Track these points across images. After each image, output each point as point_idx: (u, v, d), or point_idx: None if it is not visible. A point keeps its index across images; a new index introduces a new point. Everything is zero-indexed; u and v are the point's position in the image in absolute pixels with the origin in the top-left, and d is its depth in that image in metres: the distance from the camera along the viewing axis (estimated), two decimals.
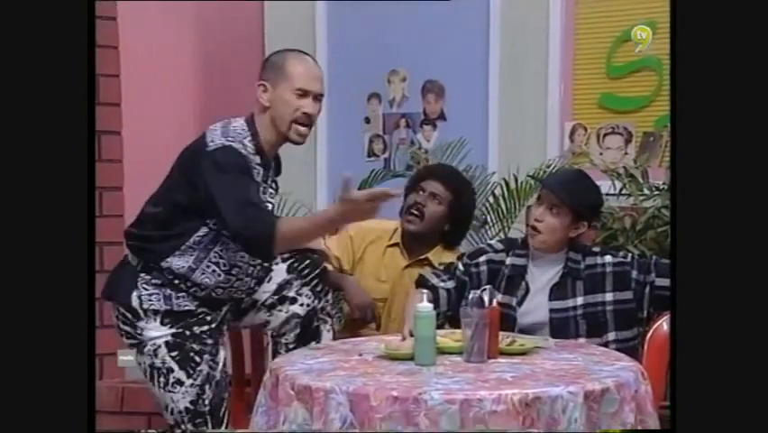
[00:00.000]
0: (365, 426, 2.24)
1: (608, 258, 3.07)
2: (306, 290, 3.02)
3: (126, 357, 3.86)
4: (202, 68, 5.19)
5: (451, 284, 3.15)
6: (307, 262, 3.07)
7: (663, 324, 2.97)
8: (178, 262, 2.80)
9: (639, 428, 2.42)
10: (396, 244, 3.47)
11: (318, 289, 3.06)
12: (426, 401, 2.21)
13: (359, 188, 4.36)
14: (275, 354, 3.09)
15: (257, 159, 2.81)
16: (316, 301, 3.06)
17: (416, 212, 3.39)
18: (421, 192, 3.41)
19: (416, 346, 2.58)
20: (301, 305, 3.02)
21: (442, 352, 2.64)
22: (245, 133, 2.80)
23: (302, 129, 2.84)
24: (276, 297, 2.96)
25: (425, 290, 2.74)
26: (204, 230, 2.81)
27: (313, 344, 3.04)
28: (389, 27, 5.02)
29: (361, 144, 5.13)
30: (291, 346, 3.04)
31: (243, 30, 5.29)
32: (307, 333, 3.07)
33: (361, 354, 2.69)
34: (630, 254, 3.13)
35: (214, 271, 2.83)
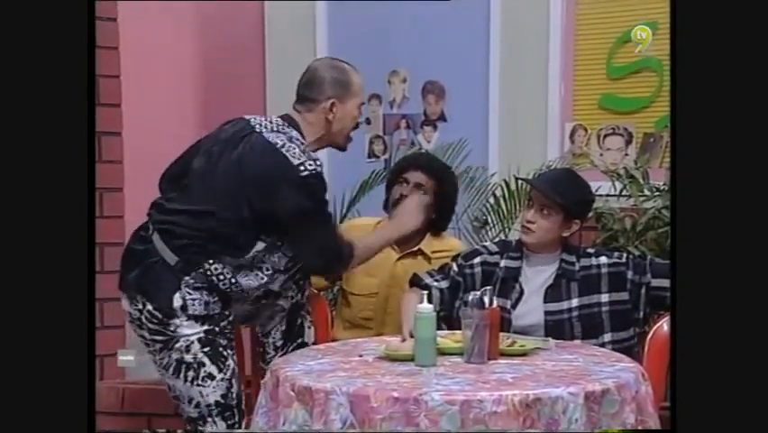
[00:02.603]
0: (365, 427, 2.24)
1: (603, 259, 3.07)
2: (290, 284, 3.03)
3: (126, 357, 3.86)
4: (202, 68, 5.19)
5: (444, 284, 3.15)
6: (290, 256, 3.09)
7: (664, 325, 2.97)
8: (242, 280, 2.84)
9: (640, 428, 2.42)
10: None
11: (301, 283, 3.07)
12: (427, 402, 2.21)
13: (359, 190, 4.43)
14: (264, 355, 3.10)
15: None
16: (299, 296, 3.07)
17: None
18: (405, 184, 3.41)
19: (417, 347, 2.58)
20: (286, 297, 3.02)
21: (442, 353, 2.64)
22: (303, 146, 2.85)
23: (351, 136, 3.06)
24: (261, 290, 2.95)
25: (421, 291, 2.74)
26: (261, 245, 2.84)
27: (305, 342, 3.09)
28: (389, 27, 5.02)
29: (361, 145, 5.12)
30: (279, 344, 3.05)
31: (243, 30, 5.29)
32: (293, 330, 3.09)
33: (361, 355, 2.69)
34: (625, 255, 3.13)
35: (257, 275, 2.86)
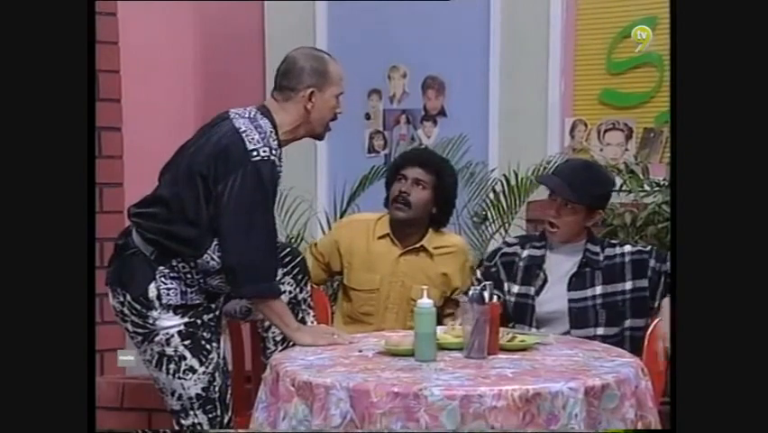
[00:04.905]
0: (365, 421, 2.24)
1: (628, 247, 3.14)
2: (287, 279, 3.03)
3: (126, 357, 3.85)
4: (202, 64, 5.19)
5: None
6: (288, 250, 3.09)
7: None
8: (212, 282, 2.83)
9: (639, 424, 2.42)
10: (386, 235, 3.47)
11: (300, 278, 3.07)
12: (427, 397, 2.22)
13: (359, 185, 4.43)
14: (264, 350, 3.10)
15: (279, 160, 2.85)
16: (298, 290, 3.07)
17: (402, 201, 3.40)
18: (404, 180, 3.41)
19: (417, 342, 2.58)
20: (282, 292, 3.02)
21: (442, 348, 2.65)
22: (273, 135, 2.83)
23: (330, 126, 3.00)
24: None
25: (424, 287, 2.74)
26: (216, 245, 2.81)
27: None
28: (390, 23, 5.02)
29: (361, 140, 5.13)
30: (279, 339, 3.06)
31: (243, 29, 5.29)
32: None
33: (361, 351, 2.69)
34: (650, 245, 3.17)
35: (222, 278, 2.84)
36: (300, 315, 3.07)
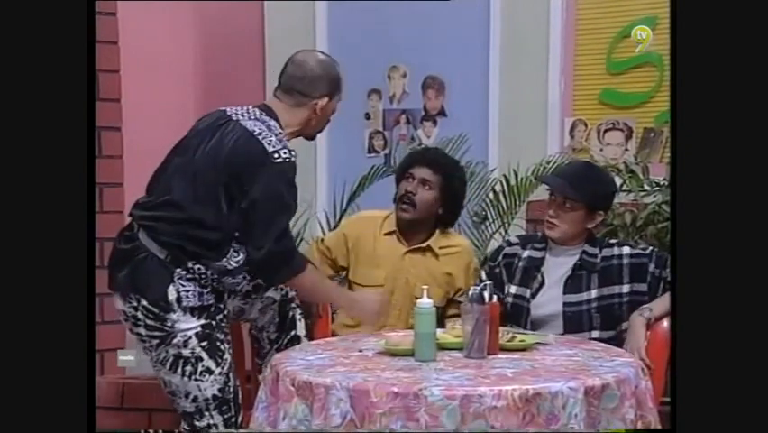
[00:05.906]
0: (365, 421, 2.24)
1: (627, 249, 3.11)
2: None
3: (126, 357, 3.85)
4: (202, 64, 5.19)
5: None
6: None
7: (664, 320, 2.97)
8: (226, 281, 2.84)
9: (639, 423, 2.42)
10: (392, 232, 3.48)
11: None
12: (427, 397, 2.22)
13: (359, 185, 4.43)
14: (259, 351, 3.11)
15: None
16: (289, 287, 3.08)
17: (407, 201, 3.40)
18: (411, 180, 3.42)
19: (417, 342, 2.58)
20: (275, 290, 3.03)
21: (442, 348, 2.65)
22: (281, 135, 2.84)
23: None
24: (251, 284, 2.96)
25: (425, 286, 2.74)
26: (238, 246, 2.82)
27: (303, 338, 3.11)
28: (390, 23, 5.03)
29: (361, 140, 5.13)
30: (273, 337, 3.08)
31: (243, 29, 5.29)
32: (285, 322, 3.10)
33: (361, 350, 2.70)
34: (650, 247, 3.16)
35: (243, 276, 2.87)
36: (291, 312, 3.09)
